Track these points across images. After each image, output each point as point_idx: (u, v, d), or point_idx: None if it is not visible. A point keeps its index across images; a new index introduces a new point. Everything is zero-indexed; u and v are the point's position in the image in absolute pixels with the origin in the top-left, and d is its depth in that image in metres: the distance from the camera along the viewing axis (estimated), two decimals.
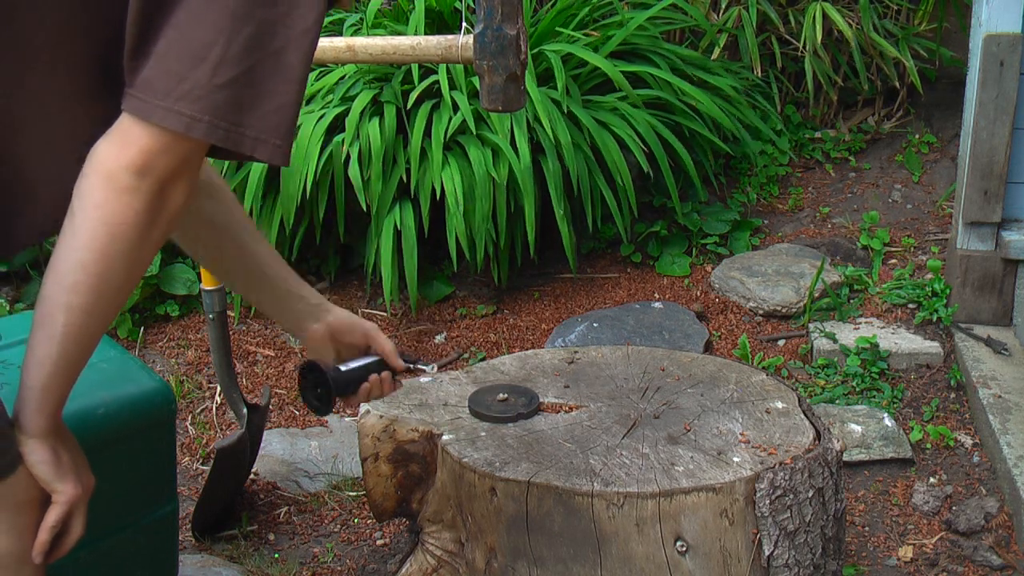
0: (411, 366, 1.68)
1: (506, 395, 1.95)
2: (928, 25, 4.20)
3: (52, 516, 1.21)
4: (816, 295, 3.35)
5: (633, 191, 3.49)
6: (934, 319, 3.24)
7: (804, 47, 4.06)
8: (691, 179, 3.71)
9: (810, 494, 1.73)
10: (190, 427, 2.99)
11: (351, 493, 2.69)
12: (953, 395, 3.00)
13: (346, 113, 3.30)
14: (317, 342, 1.60)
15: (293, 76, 1.09)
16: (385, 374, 1.61)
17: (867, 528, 2.56)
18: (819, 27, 3.93)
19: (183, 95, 1.05)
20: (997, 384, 2.89)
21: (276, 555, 2.47)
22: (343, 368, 1.57)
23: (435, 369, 1.73)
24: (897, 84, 4.21)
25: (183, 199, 1.11)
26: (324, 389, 1.56)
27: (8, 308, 3.41)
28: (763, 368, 2.90)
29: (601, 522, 1.67)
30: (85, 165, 1.09)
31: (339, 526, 2.59)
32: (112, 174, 1.07)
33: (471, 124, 3.26)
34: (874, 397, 2.99)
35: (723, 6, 4.17)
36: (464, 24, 2.08)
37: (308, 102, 3.44)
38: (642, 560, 1.68)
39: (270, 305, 1.60)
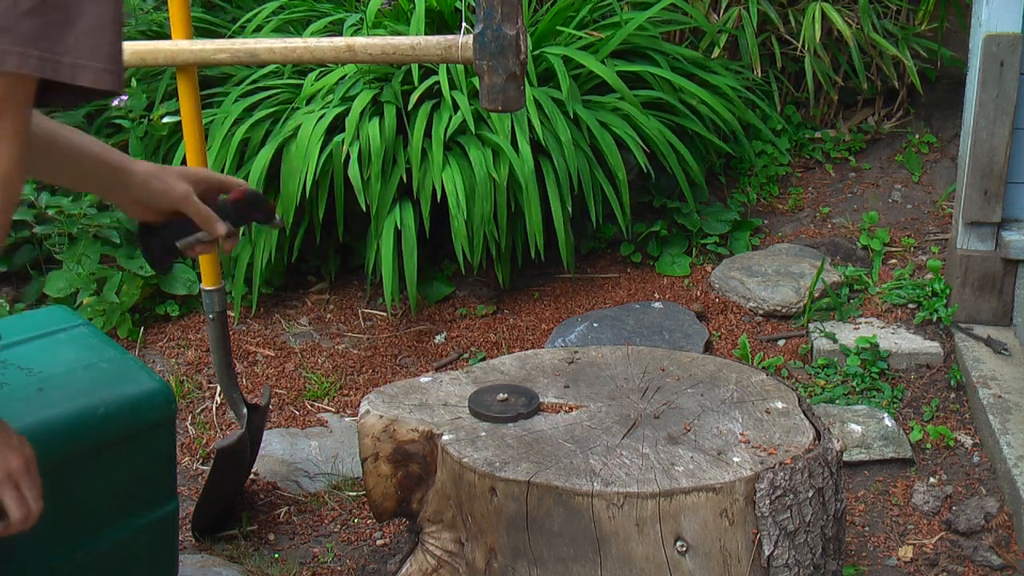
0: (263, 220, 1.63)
1: (506, 395, 1.95)
2: (929, 25, 4.19)
3: None
4: (816, 295, 3.35)
5: (627, 190, 3.49)
6: (934, 319, 3.24)
7: (804, 47, 4.06)
8: (691, 179, 3.71)
9: (810, 494, 1.73)
10: (190, 427, 2.99)
11: (351, 493, 2.69)
12: (953, 395, 3.00)
13: (346, 113, 3.30)
14: (146, 216, 1.51)
15: None
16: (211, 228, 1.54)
17: (867, 528, 2.56)
18: (818, 26, 3.93)
19: None
20: (997, 384, 2.89)
21: (276, 555, 2.47)
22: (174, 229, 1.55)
23: (280, 220, 1.67)
24: (896, 84, 4.21)
25: (9, 146, 1.02)
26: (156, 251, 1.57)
27: (8, 308, 3.41)
28: (763, 368, 2.90)
29: (601, 522, 1.67)
30: None
31: (339, 526, 2.59)
32: None
33: (471, 124, 3.26)
34: (874, 397, 2.99)
35: (723, 6, 4.16)
36: (464, 24, 2.08)
37: (308, 102, 3.45)
38: (642, 560, 1.68)
39: (93, 185, 1.49)
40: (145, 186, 1.46)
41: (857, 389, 3.01)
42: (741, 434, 1.82)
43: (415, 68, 3.43)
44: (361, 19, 3.67)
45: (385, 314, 3.51)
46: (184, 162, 3.25)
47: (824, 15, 3.98)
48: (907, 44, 4.13)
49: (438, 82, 3.36)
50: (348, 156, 3.22)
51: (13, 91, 1.01)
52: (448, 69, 3.40)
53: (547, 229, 3.53)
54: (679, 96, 3.68)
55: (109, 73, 1.03)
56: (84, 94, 1.05)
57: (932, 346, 3.13)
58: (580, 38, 3.64)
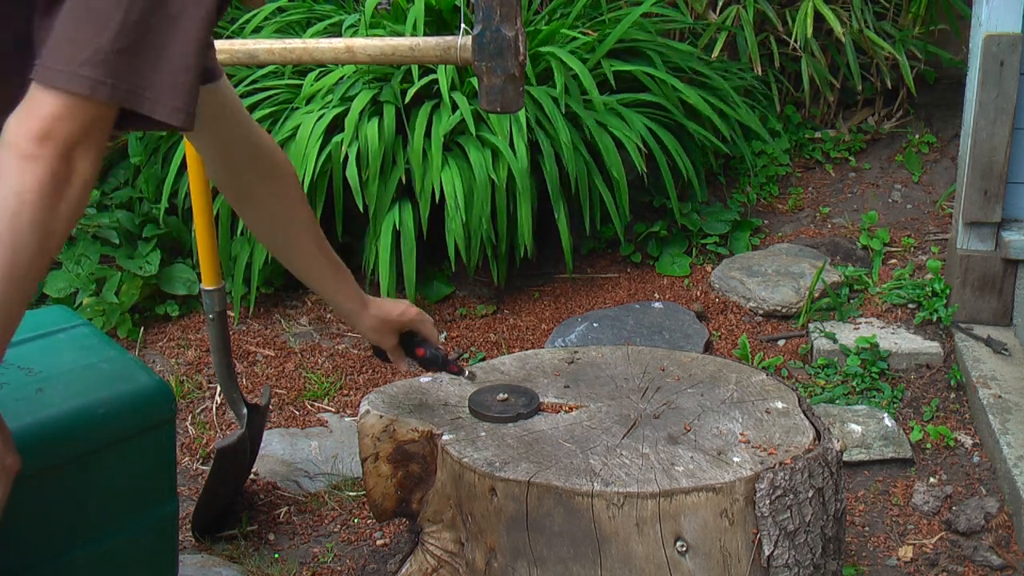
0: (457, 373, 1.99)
1: (506, 395, 1.95)
2: (921, 28, 4.19)
3: None
4: (816, 295, 3.35)
5: (626, 191, 3.48)
6: (934, 319, 3.24)
7: (800, 46, 4.06)
8: (690, 179, 3.71)
9: (810, 494, 1.73)
10: (190, 427, 2.99)
11: (351, 493, 2.69)
12: (953, 395, 3.00)
13: (345, 113, 3.30)
14: (372, 338, 1.92)
15: (189, 42, 1.15)
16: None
17: (867, 528, 2.56)
18: (809, 21, 3.92)
19: (86, 60, 1.10)
20: (997, 384, 2.89)
21: (276, 555, 2.47)
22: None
23: (470, 373, 2.01)
24: (891, 84, 4.20)
25: (90, 168, 1.14)
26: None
27: None
28: (763, 368, 2.90)
29: (601, 522, 1.67)
30: None
31: (339, 526, 2.59)
32: (16, 143, 1.10)
33: (471, 125, 3.26)
34: (874, 397, 2.99)
35: (720, 4, 4.17)
36: (463, 25, 2.08)
37: (308, 102, 3.45)
38: (642, 560, 1.68)
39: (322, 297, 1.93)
40: (365, 334, 1.93)
41: (857, 389, 3.01)
42: (741, 434, 1.82)
43: (415, 68, 3.43)
44: (360, 19, 3.67)
45: None
46: (184, 163, 3.25)
47: (817, 13, 3.96)
48: (904, 45, 4.13)
49: (437, 83, 3.36)
50: (347, 156, 3.22)
51: (100, 121, 1.14)
52: (447, 69, 3.40)
53: (547, 229, 3.53)
54: (678, 96, 3.68)
55: (182, 112, 1.16)
56: (153, 124, 1.17)
57: (932, 346, 3.13)
58: (574, 39, 3.64)
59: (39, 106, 1.10)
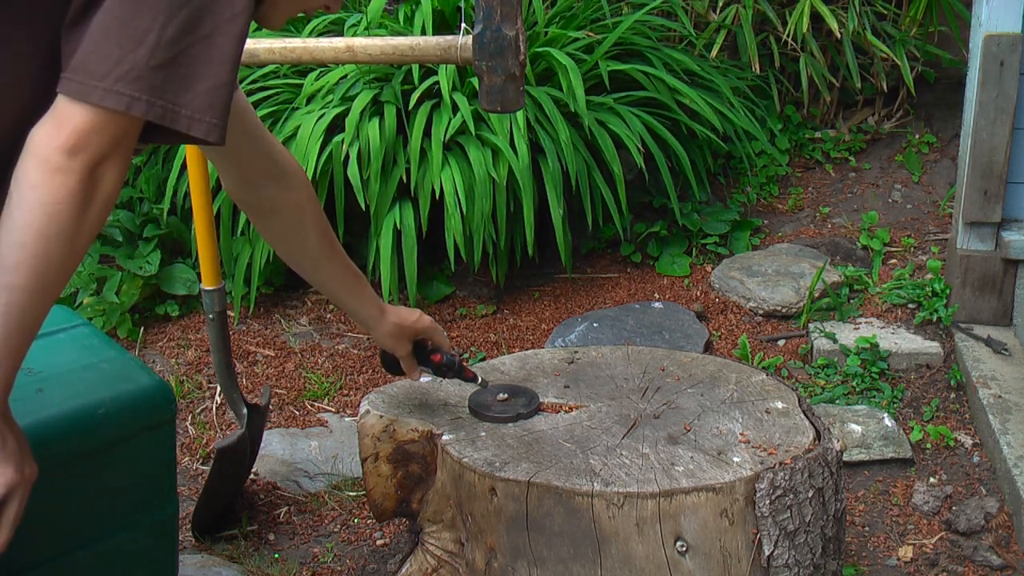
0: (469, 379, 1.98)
1: (506, 395, 1.96)
2: (919, 30, 4.19)
3: None
4: (816, 295, 3.35)
5: (624, 190, 3.48)
6: (934, 319, 3.24)
7: (799, 46, 4.06)
8: (690, 179, 3.71)
9: (810, 494, 1.73)
10: (190, 427, 3.00)
11: (351, 493, 2.69)
12: (953, 395, 3.00)
13: (346, 113, 3.30)
14: (389, 345, 1.92)
15: (224, 59, 1.15)
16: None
17: (867, 528, 2.56)
18: (806, 19, 3.92)
19: (121, 76, 1.10)
20: (997, 384, 2.89)
21: (276, 555, 2.47)
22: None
23: (483, 381, 1.99)
24: (887, 86, 4.20)
25: (116, 181, 1.15)
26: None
27: None
28: (763, 368, 2.90)
29: (601, 522, 1.67)
30: (23, 149, 1.13)
31: (339, 526, 2.60)
32: (46, 156, 1.11)
33: (471, 125, 3.26)
34: (874, 397, 2.99)
35: (720, 4, 4.16)
36: (463, 24, 2.08)
37: (308, 101, 3.45)
38: (642, 560, 1.68)
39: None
40: (382, 340, 1.93)
41: (857, 389, 3.01)
42: (741, 434, 1.82)
43: (415, 68, 3.43)
44: (362, 20, 3.67)
45: None
46: (184, 163, 3.25)
47: (815, 12, 3.96)
48: (904, 46, 4.12)
49: (438, 82, 3.36)
50: (347, 156, 3.22)
51: (128, 134, 1.14)
52: (448, 69, 3.40)
53: (547, 229, 3.53)
54: (675, 96, 3.68)
55: (217, 128, 1.16)
56: (182, 138, 1.18)
57: (932, 346, 3.13)
58: (575, 39, 3.64)
59: (70, 119, 1.11)
